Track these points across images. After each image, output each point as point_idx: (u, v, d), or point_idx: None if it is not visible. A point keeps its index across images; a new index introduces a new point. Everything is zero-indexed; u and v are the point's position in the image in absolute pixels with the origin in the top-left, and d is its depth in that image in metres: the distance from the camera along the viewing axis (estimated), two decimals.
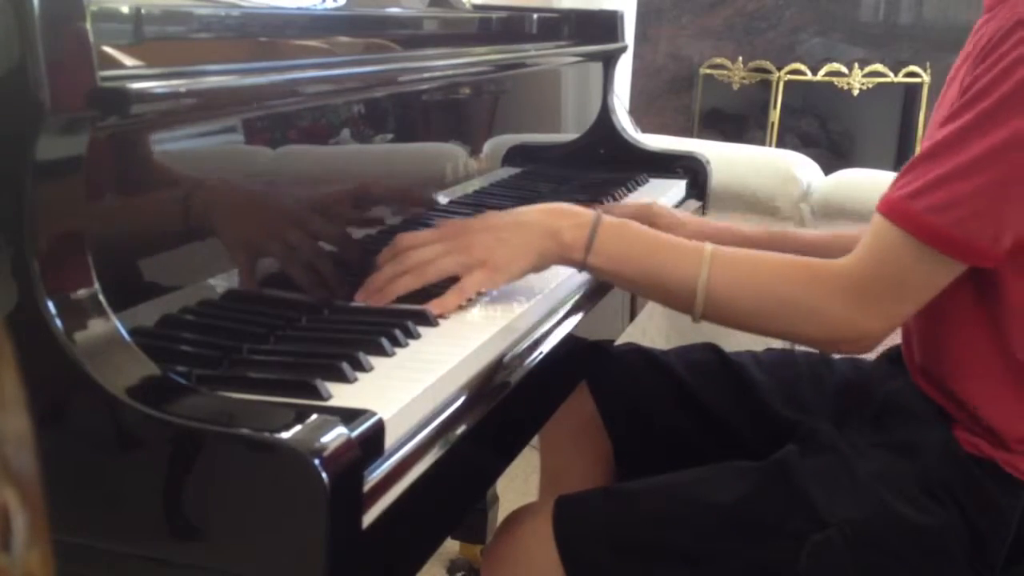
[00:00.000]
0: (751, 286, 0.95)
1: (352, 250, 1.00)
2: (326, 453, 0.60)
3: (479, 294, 0.97)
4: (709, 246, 0.96)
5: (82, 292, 0.65)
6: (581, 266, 0.99)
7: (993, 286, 0.92)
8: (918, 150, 0.93)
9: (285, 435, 0.60)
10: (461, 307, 0.94)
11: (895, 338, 1.03)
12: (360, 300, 0.94)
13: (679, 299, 0.96)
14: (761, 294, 0.94)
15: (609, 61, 1.71)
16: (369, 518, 0.66)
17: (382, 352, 0.81)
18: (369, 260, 0.99)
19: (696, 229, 1.28)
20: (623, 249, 0.97)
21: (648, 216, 1.28)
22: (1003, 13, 0.89)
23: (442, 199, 1.20)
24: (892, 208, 0.89)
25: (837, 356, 1.17)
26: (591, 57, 1.66)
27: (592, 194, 1.44)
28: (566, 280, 1.05)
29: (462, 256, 0.96)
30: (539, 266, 0.99)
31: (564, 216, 0.99)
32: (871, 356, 1.11)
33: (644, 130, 1.86)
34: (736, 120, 4.23)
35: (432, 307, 0.90)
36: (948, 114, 0.89)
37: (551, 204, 1.02)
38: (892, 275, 0.90)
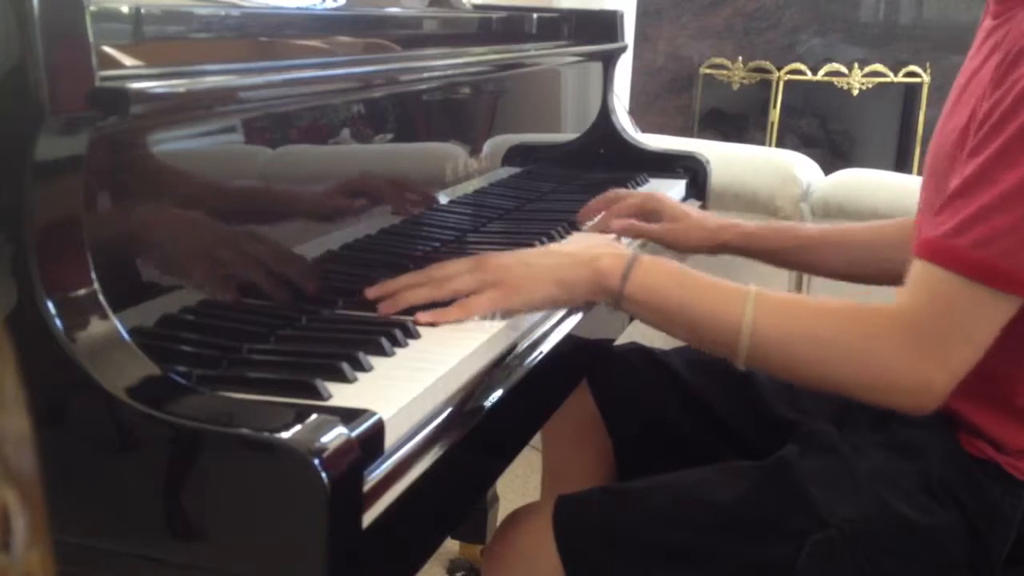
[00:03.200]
0: (798, 327, 0.89)
1: (351, 250, 1.00)
2: (326, 453, 0.60)
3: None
4: (753, 287, 0.90)
5: (82, 292, 0.65)
6: (617, 297, 0.93)
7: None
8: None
9: (285, 435, 0.60)
10: None
11: None
12: (372, 295, 0.92)
13: (721, 340, 0.90)
14: (809, 336, 0.88)
15: (609, 61, 1.71)
16: (369, 518, 0.66)
17: (382, 352, 0.81)
18: (368, 259, 0.99)
19: (698, 222, 1.29)
20: (662, 281, 0.92)
21: (653, 205, 1.29)
22: (1018, 23, 0.87)
23: (442, 199, 1.20)
24: (933, 249, 0.84)
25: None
26: (591, 57, 1.66)
27: (592, 194, 1.44)
28: None
29: (479, 274, 0.93)
30: (563, 297, 0.95)
31: (601, 246, 0.96)
32: None
33: (644, 130, 1.86)
34: (736, 120, 4.22)
35: (424, 315, 0.88)
36: (974, 144, 0.86)
37: (590, 240, 0.99)
38: (946, 318, 0.84)
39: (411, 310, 0.91)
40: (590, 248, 0.96)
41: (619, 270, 0.92)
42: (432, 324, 0.88)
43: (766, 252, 1.27)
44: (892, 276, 1.21)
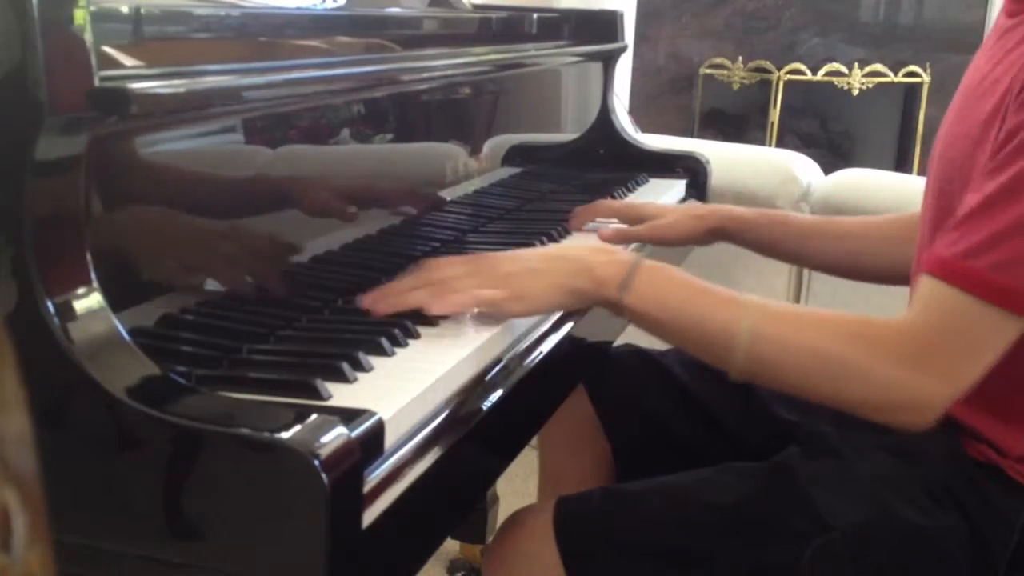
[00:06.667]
0: (797, 341, 0.87)
1: (351, 250, 1.00)
2: (326, 453, 0.60)
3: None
4: (753, 298, 0.89)
5: (82, 292, 0.65)
6: (616, 306, 0.92)
7: None
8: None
9: (285, 435, 0.60)
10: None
11: None
12: (367, 305, 0.91)
13: (718, 351, 0.89)
14: (808, 350, 0.87)
15: (609, 61, 1.71)
16: (369, 518, 0.66)
17: (382, 352, 0.81)
18: (368, 259, 0.99)
19: (683, 212, 1.28)
20: (662, 292, 0.91)
21: (635, 213, 1.28)
22: None
23: (442, 199, 1.20)
24: (948, 269, 0.83)
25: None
26: (591, 57, 1.66)
27: (592, 194, 1.44)
28: None
29: (484, 279, 0.91)
30: (567, 305, 0.94)
31: (602, 253, 0.95)
32: None
33: (644, 130, 1.86)
34: (736, 120, 4.22)
35: (433, 302, 0.87)
36: (996, 163, 0.84)
37: (593, 244, 0.96)
38: (955, 337, 0.83)
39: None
40: (591, 254, 0.95)
41: (618, 278, 0.91)
42: (444, 315, 0.87)
43: (758, 241, 1.25)
44: (883, 271, 1.22)
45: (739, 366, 0.88)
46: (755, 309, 0.88)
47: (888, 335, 0.85)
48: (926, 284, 0.85)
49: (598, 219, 1.30)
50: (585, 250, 0.96)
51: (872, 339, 0.86)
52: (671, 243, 1.28)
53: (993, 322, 0.82)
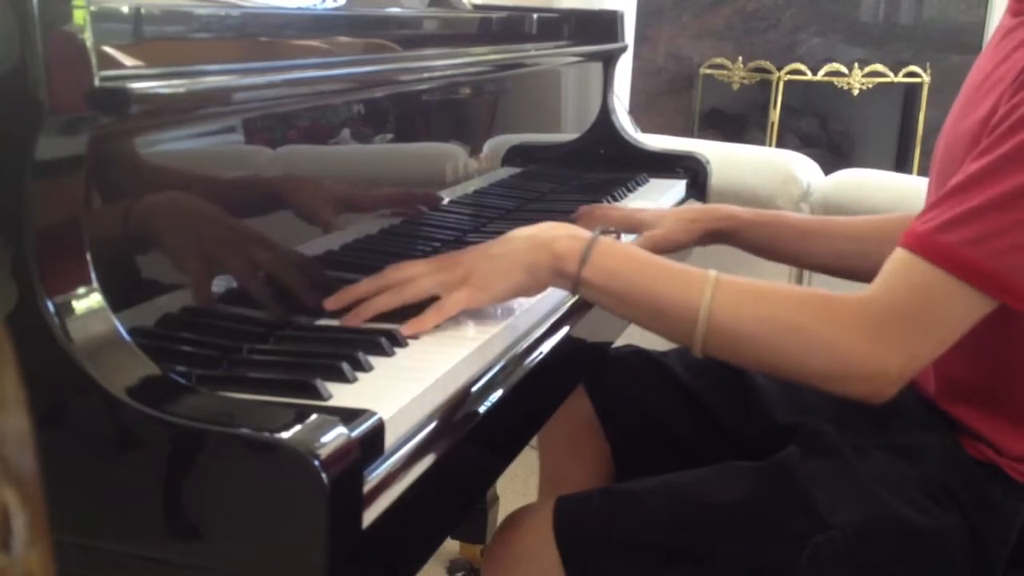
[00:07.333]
0: (758, 313, 0.87)
1: (351, 250, 1.00)
2: (326, 453, 0.60)
3: None
4: (713, 272, 0.89)
5: (82, 292, 0.65)
6: (574, 281, 0.92)
7: (1009, 323, 0.89)
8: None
9: (285, 435, 0.60)
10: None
11: None
12: (331, 307, 0.90)
13: (679, 325, 0.89)
14: (768, 321, 0.86)
15: (609, 61, 1.71)
16: (369, 518, 0.66)
17: (382, 352, 0.81)
18: (369, 260, 0.99)
19: (676, 216, 1.26)
20: (621, 265, 0.91)
21: (634, 223, 1.27)
22: None
23: (442, 199, 1.20)
24: (921, 242, 0.83)
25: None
26: (591, 57, 1.66)
27: (592, 194, 1.44)
28: None
29: (444, 275, 0.92)
30: (529, 283, 0.93)
31: (560, 228, 0.95)
32: None
33: (644, 130, 1.86)
34: (736, 120, 4.22)
35: (405, 328, 0.86)
36: (984, 145, 0.84)
37: (549, 222, 0.97)
38: (919, 310, 0.83)
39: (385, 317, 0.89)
40: (550, 230, 0.95)
41: (577, 253, 0.91)
42: (414, 336, 0.87)
43: (754, 242, 1.24)
44: (877, 272, 1.20)
45: (701, 340, 0.88)
46: (716, 282, 0.88)
47: (850, 306, 0.85)
48: (897, 256, 0.85)
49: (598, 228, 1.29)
50: (541, 227, 0.96)
51: (834, 310, 0.85)
52: (668, 252, 1.26)
53: (957, 298, 0.82)
